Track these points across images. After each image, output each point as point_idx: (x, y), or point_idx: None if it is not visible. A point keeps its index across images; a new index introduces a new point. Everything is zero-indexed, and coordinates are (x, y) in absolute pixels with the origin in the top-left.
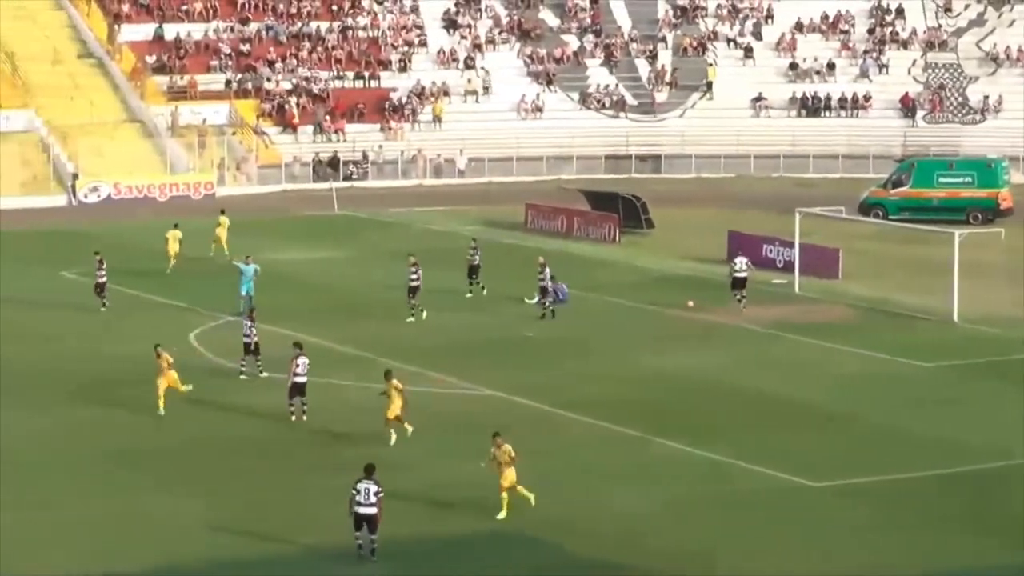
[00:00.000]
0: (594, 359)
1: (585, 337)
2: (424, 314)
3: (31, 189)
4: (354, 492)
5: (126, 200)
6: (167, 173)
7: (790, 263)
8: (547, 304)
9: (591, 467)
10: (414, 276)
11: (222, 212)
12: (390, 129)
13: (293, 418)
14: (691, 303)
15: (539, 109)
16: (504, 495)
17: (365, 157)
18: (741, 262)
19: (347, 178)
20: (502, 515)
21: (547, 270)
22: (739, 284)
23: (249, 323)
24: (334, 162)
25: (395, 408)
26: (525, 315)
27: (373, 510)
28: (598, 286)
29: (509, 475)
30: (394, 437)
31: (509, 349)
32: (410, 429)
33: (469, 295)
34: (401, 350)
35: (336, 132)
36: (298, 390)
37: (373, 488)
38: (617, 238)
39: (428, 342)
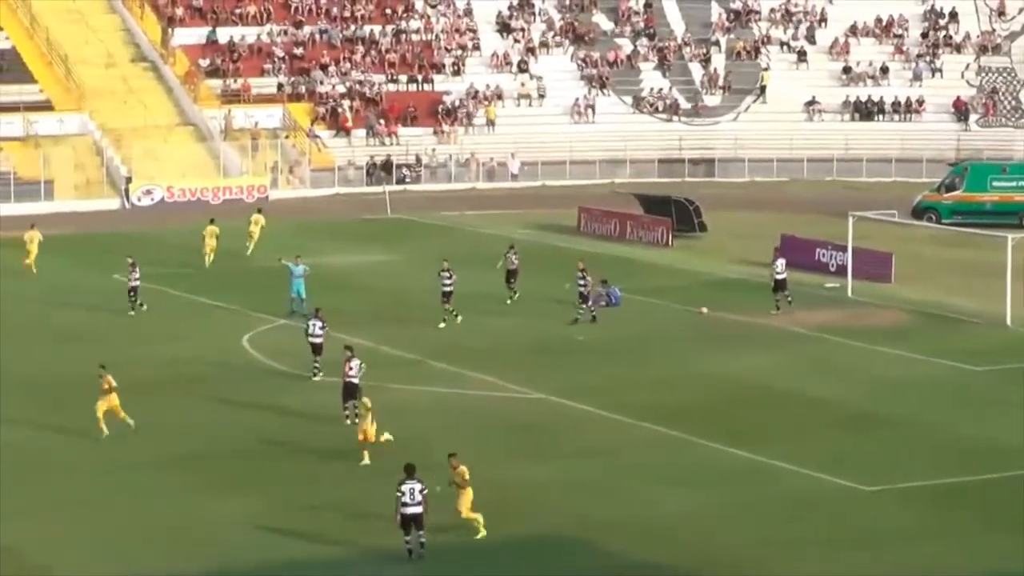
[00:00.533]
0: (644, 362)
1: (636, 340)
2: (459, 319)
3: (84, 192)
4: (400, 494)
5: (179, 203)
6: (220, 176)
7: (843, 267)
8: (590, 308)
9: (640, 470)
10: (448, 281)
11: (259, 210)
12: (443, 132)
13: (348, 421)
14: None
15: (591, 108)
16: (468, 516)
17: (418, 160)
18: (781, 263)
19: (400, 181)
20: (481, 535)
21: (587, 276)
22: (781, 286)
23: (320, 323)
24: (387, 165)
25: (369, 430)
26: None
27: (419, 509)
28: (650, 289)
29: (465, 498)
30: (367, 458)
31: (560, 352)
32: (387, 436)
33: (509, 302)
34: (452, 353)
35: (389, 135)
36: (351, 392)
37: (418, 487)
38: (670, 242)
39: (478, 345)
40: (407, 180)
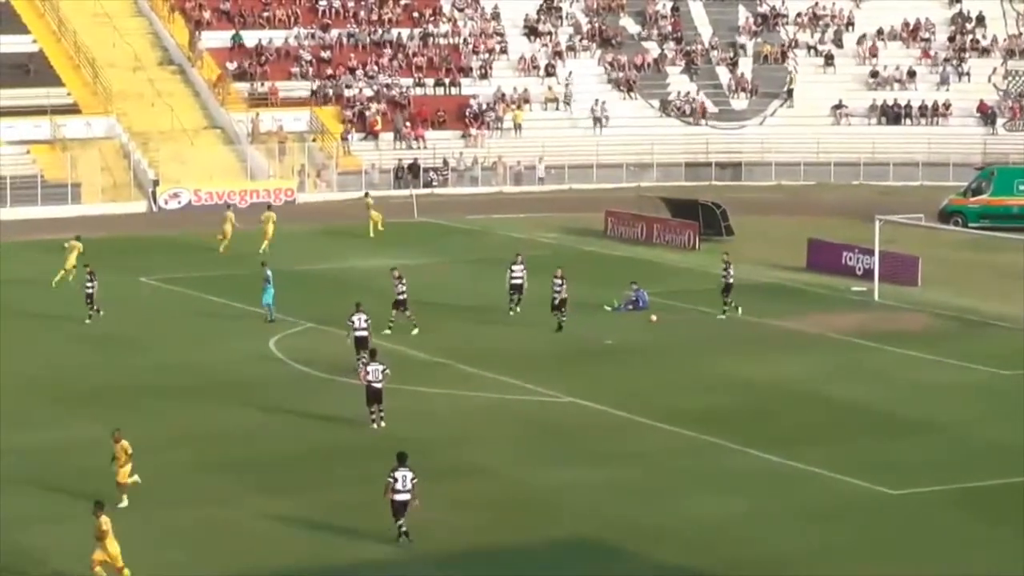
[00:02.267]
0: (672, 366)
1: (663, 344)
2: (415, 331)
3: (112, 195)
4: (391, 480)
5: (207, 207)
6: (247, 180)
7: (869, 271)
8: (562, 316)
9: (672, 474)
10: (401, 288)
11: (268, 207)
12: (470, 136)
13: (374, 425)
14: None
15: (606, 114)
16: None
17: (445, 164)
18: (731, 269)
19: (427, 185)
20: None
21: (565, 282)
22: (728, 290)
23: (364, 317)
24: (414, 169)
25: (123, 473)
26: (603, 321)
27: (408, 496)
28: (677, 293)
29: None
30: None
31: (586, 356)
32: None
33: (512, 314)
34: (479, 356)
35: (416, 139)
36: (375, 397)
37: (410, 475)
38: (697, 245)
39: (505, 348)
40: (434, 184)
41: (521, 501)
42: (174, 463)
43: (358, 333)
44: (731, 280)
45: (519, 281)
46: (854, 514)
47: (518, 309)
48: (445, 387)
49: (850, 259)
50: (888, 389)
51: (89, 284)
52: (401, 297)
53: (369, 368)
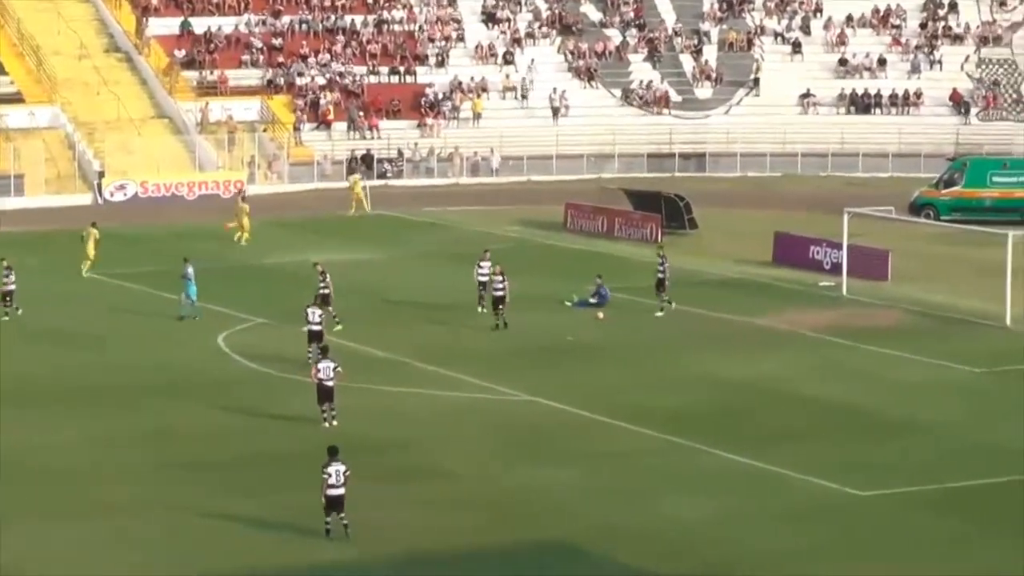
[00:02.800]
0: (637, 364)
1: (627, 342)
2: (339, 327)
3: (56, 187)
4: (326, 476)
5: (153, 199)
6: (196, 171)
7: (838, 265)
8: (483, 309)
9: (638, 476)
10: (323, 284)
11: (242, 198)
12: (426, 126)
13: (326, 424)
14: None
15: (566, 103)
16: None
17: (400, 155)
18: (666, 263)
19: (381, 176)
20: None
21: (506, 279)
22: (661, 285)
23: (319, 312)
24: (368, 160)
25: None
26: (564, 318)
27: (342, 491)
28: (640, 289)
29: None
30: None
31: (547, 354)
32: None
33: (481, 311)
34: (437, 354)
35: (370, 129)
36: (326, 395)
37: (342, 469)
38: (660, 239)
39: (464, 346)
40: (388, 175)
41: (485, 503)
42: (128, 464)
43: (311, 327)
44: (666, 275)
45: (486, 278)
46: (826, 516)
47: (672, 306)
48: (404, 386)
49: (818, 253)
50: (860, 388)
51: (7, 279)
52: (324, 292)
53: (320, 365)
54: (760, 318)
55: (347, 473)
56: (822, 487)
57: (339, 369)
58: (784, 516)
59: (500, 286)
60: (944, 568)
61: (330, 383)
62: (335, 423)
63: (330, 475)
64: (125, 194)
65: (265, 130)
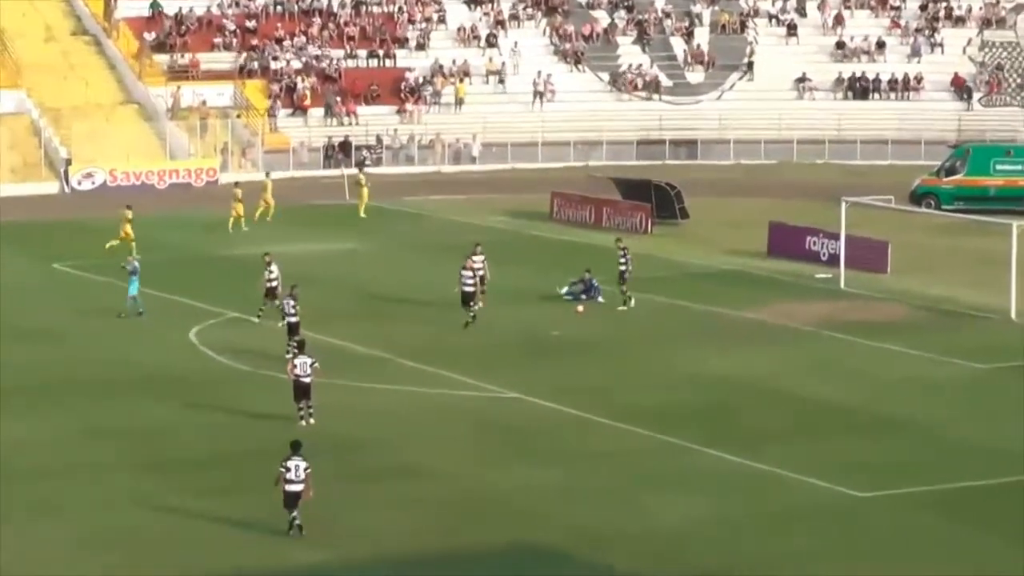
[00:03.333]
0: (625, 360)
1: (616, 337)
2: (258, 320)
3: (21, 175)
4: (284, 470)
5: (122, 188)
6: (166, 159)
7: (835, 256)
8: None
9: (626, 476)
10: (272, 276)
11: (236, 184)
12: (406, 112)
13: (303, 422)
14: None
15: (551, 88)
16: None
17: (379, 141)
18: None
19: (359, 164)
20: None
21: (476, 274)
22: (623, 279)
23: (293, 302)
24: (346, 147)
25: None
26: (550, 312)
27: (300, 487)
28: (629, 281)
29: None
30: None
31: (534, 349)
32: None
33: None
34: (421, 350)
35: (348, 115)
36: (304, 392)
37: (303, 465)
38: (649, 229)
39: (449, 342)
40: (367, 163)
41: (467, 504)
42: (95, 463)
43: (289, 319)
44: (627, 267)
45: (480, 273)
46: (821, 518)
47: (632, 303)
48: (384, 382)
49: (814, 244)
50: (857, 384)
51: None
52: (271, 285)
53: (297, 361)
54: (754, 312)
55: (308, 470)
56: (818, 487)
57: (317, 365)
58: (778, 518)
59: (470, 282)
60: (945, 571)
61: (307, 380)
62: (312, 421)
63: (289, 469)
64: (93, 183)
65: (239, 116)
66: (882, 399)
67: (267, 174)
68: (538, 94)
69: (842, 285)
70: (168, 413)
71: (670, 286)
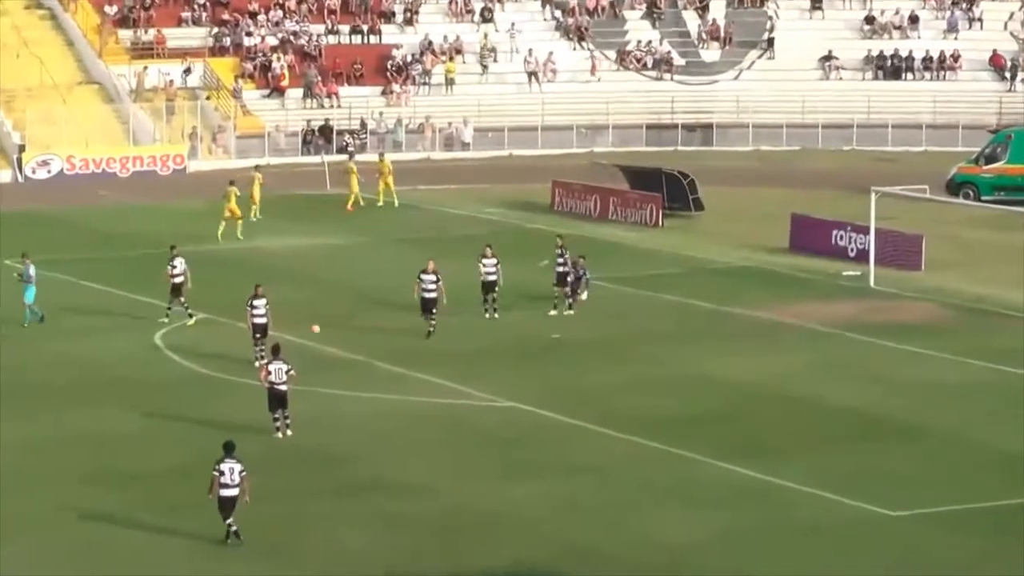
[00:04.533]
0: (631, 365)
1: (621, 339)
2: (191, 319)
3: None
4: (217, 474)
5: (81, 176)
6: (130, 144)
7: (864, 252)
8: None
9: (627, 491)
10: (176, 271)
11: (256, 167)
12: (393, 93)
13: (279, 434)
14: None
15: (553, 67)
16: None
17: (363, 126)
18: (566, 257)
19: (341, 150)
20: None
21: (439, 280)
22: (562, 280)
23: (264, 300)
24: (326, 131)
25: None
26: (550, 314)
27: (236, 492)
28: (637, 279)
29: None
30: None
31: (531, 353)
32: None
33: (488, 317)
34: (405, 354)
35: (329, 96)
36: (280, 400)
37: (238, 467)
38: (660, 222)
39: (437, 345)
40: (350, 149)
41: (456, 521)
42: (50, 475)
43: (255, 320)
44: (565, 268)
45: (493, 277)
46: (843, 538)
47: (496, 314)
48: (367, 390)
49: (841, 238)
50: (885, 391)
51: None
52: (176, 281)
53: (272, 367)
54: (773, 312)
55: (243, 473)
56: (836, 503)
57: (292, 372)
58: (795, 538)
59: (431, 287)
60: None
61: (283, 387)
62: (289, 433)
63: (223, 473)
64: (49, 171)
65: (208, 98)
66: (914, 407)
67: (256, 167)
68: (532, 74)
69: (871, 283)
70: (128, 422)
71: (682, 284)
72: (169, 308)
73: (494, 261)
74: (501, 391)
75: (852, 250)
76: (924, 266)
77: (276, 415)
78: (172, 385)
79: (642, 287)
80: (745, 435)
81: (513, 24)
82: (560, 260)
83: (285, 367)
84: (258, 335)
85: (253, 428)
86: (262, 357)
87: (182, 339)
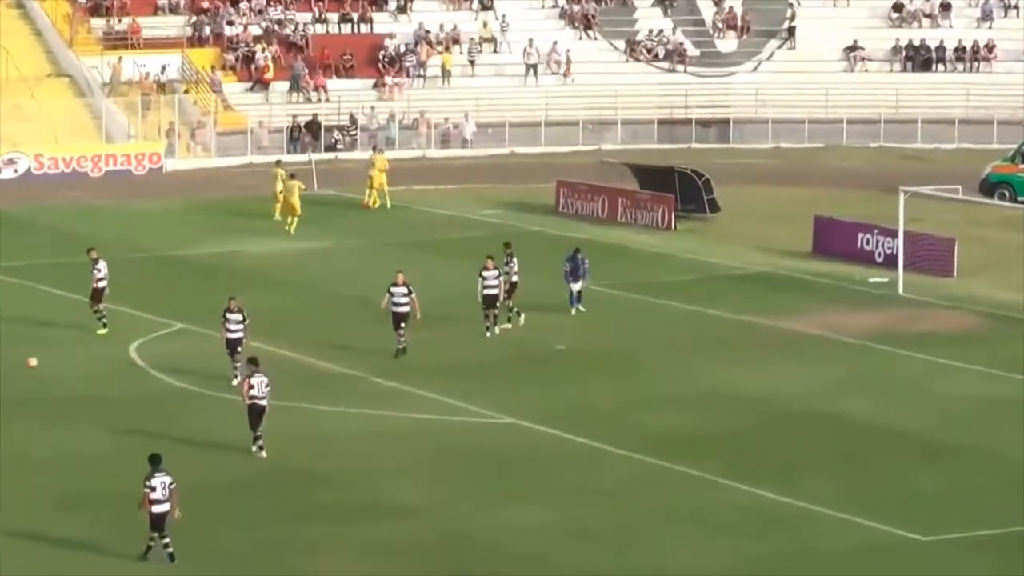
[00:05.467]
0: (641, 379)
1: (631, 351)
2: (104, 328)
3: None
4: (149, 488)
5: (50, 176)
6: (102, 142)
7: (892, 257)
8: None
9: (638, 515)
10: (99, 275)
11: (377, 150)
12: (385, 86)
13: (263, 453)
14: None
15: (573, 62)
16: None
17: (353, 121)
18: (492, 275)
19: (330, 148)
20: None
21: (413, 292)
22: (491, 302)
23: (240, 316)
24: (314, 127)
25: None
26: (554, 324)
27: (168, 506)
28: (648, 285)
29: None
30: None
31: (534, 366)
32: None
33: (511, 325)
34: (400, 367)
35: (317, 90)
36: (261, 417)
37: (168, 480)
38: (672, 224)
39: (434, 357)
40: (339, 146)
41: (453, 548)
42: (16, 496)
43: (229, 334)
44: (514, 278)
45: (495, 291)
46: (870, 566)
47: (521, 319)
48: (357, 406)
49: (868, 242)
50: (915, 406)
51: None
52: (99, 286)
53: (253, 381)
54: (793, 321)
55: (173, 486)
56: (864, 527)
57: (268, 386)
58: (817, 564)
59: (403, 301)
60: None
61: (264, 402)
62: (263, 454)
63: (154, 488)
64: (16, 170)
65: (187, 91)
66: (946, 423)
67: (278, 162)
68: (532, 67)
69: (900, 290)
70: (99, 439)
71: (696, 291)
72: (97, 312)
73: (495, 273)
74: (501, 407)
75: (879, 255)
76: (956, 272)
77: (258, 432)
78: (146, 400)
79: (653, 294)
80: (765, 455)
81: (504, 15)
82: (507, 271)
83: (266, 380)
84: (231, 351)
85: (228, 446)
86: (244, 375)
87: (159, 351)
